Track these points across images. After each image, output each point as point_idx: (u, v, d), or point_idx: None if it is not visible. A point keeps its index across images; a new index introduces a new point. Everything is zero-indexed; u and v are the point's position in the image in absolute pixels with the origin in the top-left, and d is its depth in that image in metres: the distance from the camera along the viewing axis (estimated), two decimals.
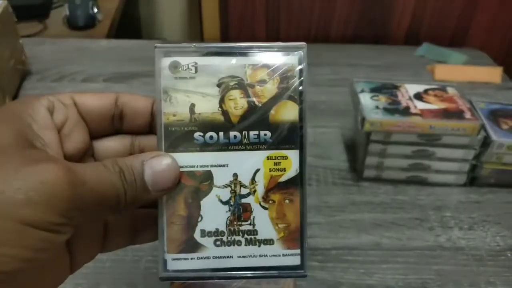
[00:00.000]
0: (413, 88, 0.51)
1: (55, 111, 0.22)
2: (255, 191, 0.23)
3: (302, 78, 0.23)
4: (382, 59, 0.74)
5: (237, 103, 0.22)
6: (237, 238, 0.23)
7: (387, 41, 0.84)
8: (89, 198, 0.19)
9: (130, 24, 1.01)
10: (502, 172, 0.49)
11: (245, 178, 0.23)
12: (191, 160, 0.22)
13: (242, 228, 0.23)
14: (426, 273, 0.41)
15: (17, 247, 0.17)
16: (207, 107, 0.22)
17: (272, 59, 0.23)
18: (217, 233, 0.23)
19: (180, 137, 0.22)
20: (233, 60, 0.23)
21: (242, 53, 0.23)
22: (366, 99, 0.49)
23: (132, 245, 0.25)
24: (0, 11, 0.56)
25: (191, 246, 0.22)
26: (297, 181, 0.23)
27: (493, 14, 0.81)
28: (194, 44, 0.23)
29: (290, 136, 0.23)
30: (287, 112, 0.23)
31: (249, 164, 0.23)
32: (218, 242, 0.23)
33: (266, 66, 0.23)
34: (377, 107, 0.48)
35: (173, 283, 0.33)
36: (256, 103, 0.23)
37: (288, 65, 0.23)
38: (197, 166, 0.22)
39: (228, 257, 0.23)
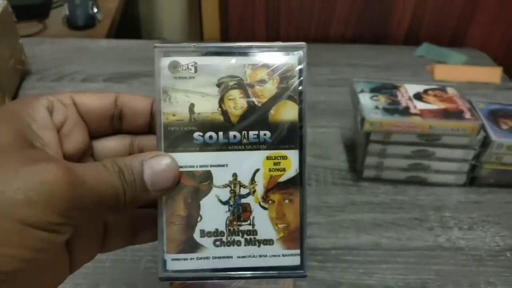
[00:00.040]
0: (412, 88, 0.51)
1: (55, 111, 0.22)
2: (254, 191, 0.23)
3: (301, 78, 0.23)
4: (382, 59, 0.74)
5: (237, 103, 0.22)
6: (236, 238, 0.23)
7: (387, 41, 0.84)
8: (88, 198, 0.19)
9: (130, 24, 1.01)
10: (501, 172, 0.49)
11: (244, 178, 0.23)
12: (190, 160, 0.22)
13: (241, 228, 0.23)
14: (426, 273, 0.41)
15: (17, 247, 0.17)
16: (207, 107, 0.22)
17: (272, 59, 0.23)
18: (216, 233, 0.23)
19: (180, 137, 0.22)
20: (233, 60, 0.23)
21: (242, 53, 0.23)
22: (365, 99, 0.49)
23: (131, 245, 0.25)
24: (0, 11, 0.56)
25: (191, 246, 0.22)
26: (297, 181, 0.23)
27: (493, 14, 0.81)
28: (193, 44, 0.23)
29: (290, 136, 0.23)
30: (287, 112, 0.23)
31: (248, 164, 0.23)
32: (218, 242, 0.23)
33: (265, 66, 0.23)
34: (376, 107, 0.48)
35: (172, 283, 0.33)
36: (256, 103, 0.23)
37: (288, 65, 0.23)
38: (197, 166, 0.22)
39: (227, 257, 0.23)
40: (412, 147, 0.48)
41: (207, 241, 0.23)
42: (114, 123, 0.24)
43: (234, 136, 0.22)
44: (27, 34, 0.76)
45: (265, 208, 0.23)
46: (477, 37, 0.83)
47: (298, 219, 0.23)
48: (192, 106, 0.22)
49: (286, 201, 0.23)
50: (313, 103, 0.62)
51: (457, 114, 0.47)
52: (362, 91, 0.50)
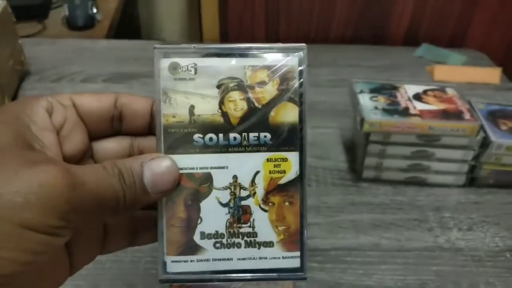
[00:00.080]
0: (412, 89, 0.51)
1: (54, 112, 0.22)
2: (255, 193, 0.23)
3: (302, 80, 0.23)
4: (381, 60, 0.74)
5: (237, 105, 0.22)
6: (236, 240, 0.23)
7: (387, 42, 0.84)
8: (88, 200, 0.19)
9: (129, 25, 1.01)
10: (501, 173, 0.49)
11: (245, 180, 0.23)
12: (190, 162, 0.22)
13: (241, 230, 0.23)
14: (425, 274, 0.41)
15: (16, 250, 0.17)
16: (207, 108, 0.22)
17: (272, 60, 0.23)
18: (216, 235, 0.23)
19: (180, 139, 0.22)
20: (233, 61, 0.23)
21: (242, 54, 0.23)
22: (365, 99, 0.49)
23: (131, 246, 0.25)
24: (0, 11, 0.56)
25: (191, 248, 0.22)
26: (297, 183, 0.23)
27: (492, 14, 0.81)
28: (193, 45, 0.23)
29: (290, 138, 0.23)
30: (287, 114, 0.23)
31: (249, 166, 0.22)
32: (218, 245, 0.22)
33: (266, 67, 0.23)
34: (376, 108, 0.48)
35: (172, 285, 0.33)
36: (256, 104, 0.22)
37: (288, 66, 0.23)
38: (197, 168, 0.22)
39: (227, 259, 0.23)
40: (412, 148, 0.48)
41: (207, 243, 0.22)
42: (114, 124, 0.24)
43: (234, 138, 0.22)
44: (26, 35, 0.76)
45: (265, 210, 0.23)
46: (477, 37, 0.83)
47: (298, 221, 0.23)
48: (192, 107, 0.22)
49: (286, 203, 0.23)
50: (313, 104, 0.62)
51: (457, 115, 0.47)
52: (361, 91, 0.50)
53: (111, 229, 0.23)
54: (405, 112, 0.47)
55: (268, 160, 0.23)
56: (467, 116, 0.47)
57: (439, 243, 0.44)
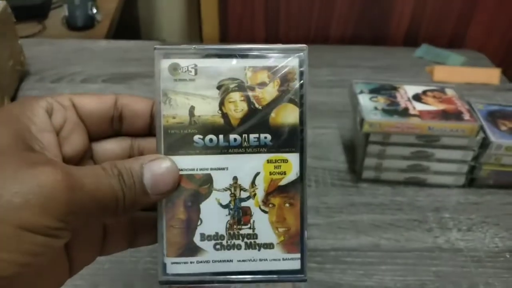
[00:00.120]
0: (411, 89, 0.51)
1: (54, 113, 0.22)
2: (255, 194, 0.23)
3: (302, 81, 0.22)
4: (381, 60, 0.74)
5: (237, 106, 0.22)
6: (237, 242, 0.23)
7: (386, 42, 0.84)
8: (87, 201, 0.19)
9: (129, 25, 1.01)
10: (500, 173, 0.49)
11: (245, 182, 0.22)
12: (190, 163, 0.22)
13: (242, 232, 0.23)
14: (425, 274, 0.41)
15: (15, 252, 0.17)
16: (207, 109, 0.22)
17: (273, 61, 0.22)
18: (216, 237, 0.22)
19: (180, 140, 0.22)
20: (233, 62, 0.22)
21: (242, 55, 0.22)
22: (365, 100, 0.49)
23: (131, 248, 0.24)
24: None
25: (191, 249, 0.22)
26: (298, 185, 0.23)
27: (492, 15, 0.81)
28: (194, 46, 0.23)
29: (291, 139, 0.23)
30: (288, 115, 0.22)
31: (249, 168, 0.22)
32: (218, 246, 0.22)
33: (266, 68, 0.22)
34: (376, 108, 0.48)
35: (172, 287, 0.33)
36: (257, 105, 0.22)
37: (289, 67, 0.22)
38: (197, 169, 0.22)
39: (227, 261, 0.22)
40: (411, 148, 0.48)
41: (207, 245, 0.22)
42: (114, 125, 0.24)
43: (235, 139, 0.22)
44: (26, 35, 0.76)
45: (265, 212, 0.23)
46: (476, 37, 0.83)
47: (298, 223, 0.23)
48: (192, 108, 0.22)
49: (287, 204, 0.23)
50: (313, 104, 0.62)
51: (456, 115, 0.47)
52: (361, 92, 0.50)
53: (110, 231, 0.23)
54: (404, 113, 0.47)
55: (268, 161, 0.23)
56: (466, 116, 0.47)
57: (438, 244, 0.44)
